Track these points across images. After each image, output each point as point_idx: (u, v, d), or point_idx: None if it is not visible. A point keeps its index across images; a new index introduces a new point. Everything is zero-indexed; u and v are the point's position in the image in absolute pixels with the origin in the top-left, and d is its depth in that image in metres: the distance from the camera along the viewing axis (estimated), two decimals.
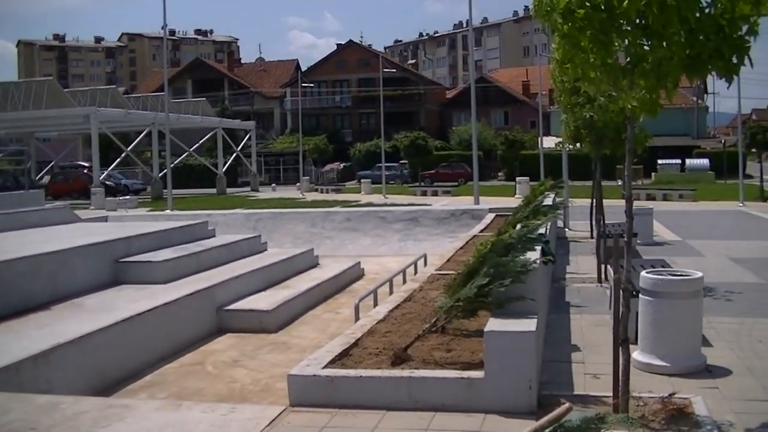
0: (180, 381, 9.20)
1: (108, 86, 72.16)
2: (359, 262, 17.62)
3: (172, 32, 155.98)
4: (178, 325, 10.91)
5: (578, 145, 15.79)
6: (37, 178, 65.71)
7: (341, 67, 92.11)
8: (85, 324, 9.44)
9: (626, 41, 5.56)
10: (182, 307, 11.20)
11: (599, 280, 13.86)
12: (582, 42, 5.67)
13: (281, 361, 9.87)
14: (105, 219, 22.87)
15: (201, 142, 70.56)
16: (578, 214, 23.09)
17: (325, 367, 7.11)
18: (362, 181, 58.28)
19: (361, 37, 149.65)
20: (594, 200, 16.16)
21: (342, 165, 77.71)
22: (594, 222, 17.59)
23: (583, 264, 16.18)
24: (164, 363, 9.96)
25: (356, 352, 7.76)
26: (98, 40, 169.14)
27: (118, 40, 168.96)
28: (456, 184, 61.31)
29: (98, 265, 12.74)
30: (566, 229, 22.85)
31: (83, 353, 8.75)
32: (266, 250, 17.38)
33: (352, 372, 6.95)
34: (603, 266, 13.89)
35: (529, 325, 6.84)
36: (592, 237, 19.30)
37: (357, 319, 10.39)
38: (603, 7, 5.49)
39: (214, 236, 17.17)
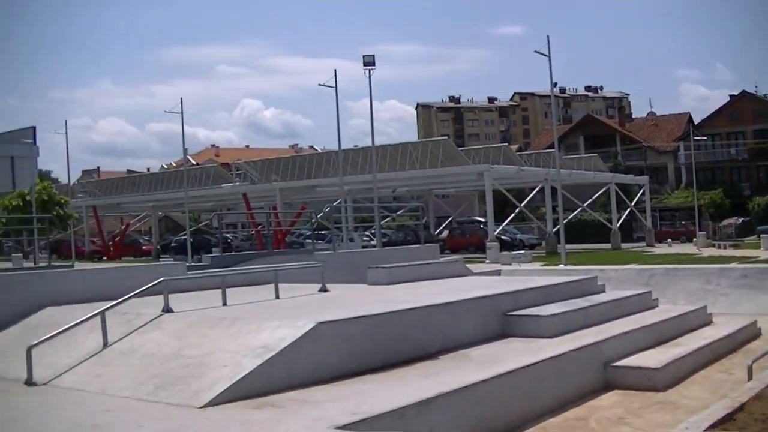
0: None
1: (500, 144, 74.44)
2: (756, 321, 16.56)
3: (563, 90, 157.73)
4: (564, 379, 10.85)
5: None
6: (436, 232, 69.22)
7: (735, 119, 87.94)
8: (471, 374, 9.68)
9: None
10: (568, 361, 11.14)
11: None
12: None
13: (668, 420, 9.47)
14: (498, 273, 23.44)
15: (594, 197, 70.35)
16: None
17: (705, 431, 6.72)
18: (762, 236, 54.86)
19: (756, 87, 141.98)
20: None
21: (740, 219, 73.92)
22: None
23: None
24: (547, 417, 9.93)
25: (741, 417, 7.25)
26: (491, 100, 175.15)
27: (510, 99, 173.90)
28: None
29: (486, 317, 13.03)
30: None
31: (467, 402, 8.96)
32: (657, 306, 16.87)
33: None
34: None
35: None
36: None
37: (749, 380, 9.75)
38: None
39: (603, 291, 16.96)
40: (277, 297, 13.85)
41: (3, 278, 14.44)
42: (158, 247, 75.51)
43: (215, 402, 8.47)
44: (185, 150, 60.51)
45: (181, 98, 62.91)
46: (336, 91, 48.34)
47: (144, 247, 78.16)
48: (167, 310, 11.85)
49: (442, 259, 22.33)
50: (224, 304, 12.55)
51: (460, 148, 64.82)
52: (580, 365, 11.36)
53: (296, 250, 29.73)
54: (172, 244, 72.82)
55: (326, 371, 9.71)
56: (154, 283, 12.25)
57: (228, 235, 73.14)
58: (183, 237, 68.45)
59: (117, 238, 79.42)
